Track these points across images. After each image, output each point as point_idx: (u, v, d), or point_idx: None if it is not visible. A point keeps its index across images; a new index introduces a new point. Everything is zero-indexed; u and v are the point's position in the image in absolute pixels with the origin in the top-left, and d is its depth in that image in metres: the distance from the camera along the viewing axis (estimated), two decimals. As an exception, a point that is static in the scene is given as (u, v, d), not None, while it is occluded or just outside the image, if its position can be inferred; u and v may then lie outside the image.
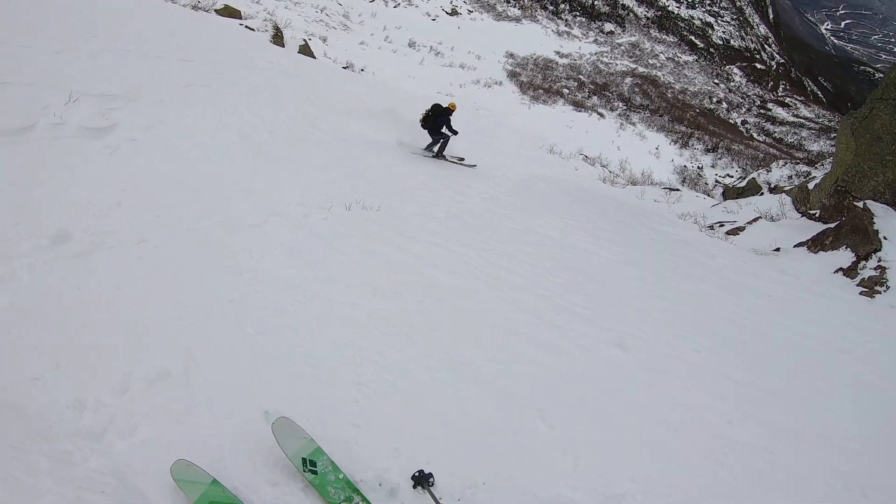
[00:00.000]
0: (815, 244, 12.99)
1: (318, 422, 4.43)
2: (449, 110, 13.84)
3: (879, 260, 11.55)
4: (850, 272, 11.65)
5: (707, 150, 53.44)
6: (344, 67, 34.89)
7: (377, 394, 4.91)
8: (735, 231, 15.48)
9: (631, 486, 4.61)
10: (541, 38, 79.44)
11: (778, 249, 13.51)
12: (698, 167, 48.92)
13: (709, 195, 29.04)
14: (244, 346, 5.10)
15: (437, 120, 13.71)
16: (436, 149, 14.06)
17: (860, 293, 10.92)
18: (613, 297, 8.47)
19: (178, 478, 3.65)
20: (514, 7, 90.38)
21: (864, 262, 11.71)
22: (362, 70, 39.49)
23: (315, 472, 3.91)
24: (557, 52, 75.17)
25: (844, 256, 12.11)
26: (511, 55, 66.77)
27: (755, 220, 16.00)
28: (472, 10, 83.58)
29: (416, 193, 10.55)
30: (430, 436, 4.68)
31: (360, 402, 4.80)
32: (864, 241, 12.00)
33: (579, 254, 9.97)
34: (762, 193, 23.68)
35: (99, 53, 9.99)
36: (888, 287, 10.92)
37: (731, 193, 27.09)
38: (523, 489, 4.40)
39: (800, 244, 13.43)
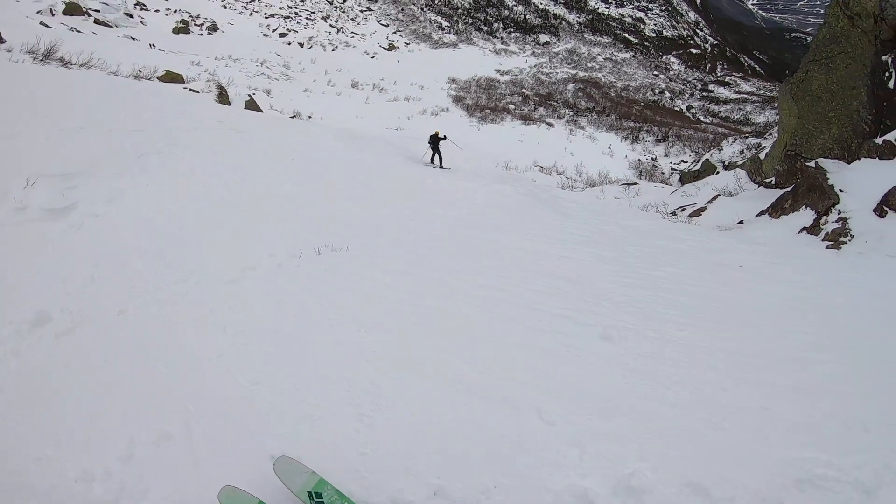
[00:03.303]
0: (776, 210, 13.22)
1: (325, 457, 4.48)
2: (436, 135, 20.94)
3: (839, 212, 11.76)
4: (813, 230, 11.85)
5: (658, 141, 54.17)
6: (291, 117, 34.98)
7: (378, 421, 4.95)
8: (697, 213, 15.74)
9: (639, 464, 4.67)
10: (480, 60, 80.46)
11: (741, 222, 13.73)
12: (652, 158, 49.47)
13: (667, 184, 29.34)
14: (240, 397, 5.14)
15: (433, 141, 20.89)
16: (435, 160, 20.92)
17: (826, 247, 11.09)
18: (591, 294, 8.50)
19: (226, 503, 3.76)
20: (450, 33, 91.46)
21: (824, 217, 11.92)
22: (309, 117, 39.50)
23: (322, 503, 3.96)
24: (498, 71, 76.15)
25: (805, 216, 12.32)
26: (453, 80, 67.47)
27: (714, 198, 16.27)
28: (408, 42, 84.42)
29: (382, 229, 10.55)
30: (436, 451, 4.72)
31: (362, 432, 4.85)
32: (822, 197, 12.22)
33: (551, 259, 10.04)
34: (718, 172, 24.06)
35: (51, 133, 9.88)
36: (852, 236, 11.11)
37: (688, 178, 27.42)
38: (535, 485, 4.44)
39: (761, 213, 13.66)
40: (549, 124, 56.43)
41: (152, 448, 4.40)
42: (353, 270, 8.24)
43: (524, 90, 68.41)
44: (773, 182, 15.16)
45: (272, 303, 6.97)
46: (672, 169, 44.66)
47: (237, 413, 4.89)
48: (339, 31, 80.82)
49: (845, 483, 4.60)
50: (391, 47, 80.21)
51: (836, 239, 11.26)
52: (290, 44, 73.04)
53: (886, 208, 11.44)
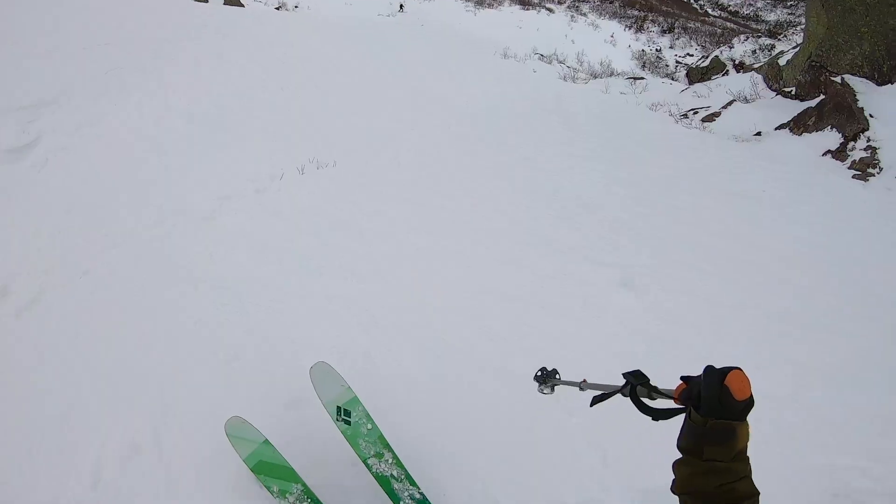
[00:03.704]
0: (798, 125, 12.25)
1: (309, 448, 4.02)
2: None
3: (868, 140, 10.85)
4: (839, 154, 10.96)
5: (663, 32, 52.14)
6: (277, 8, 33.52)
7: (373, 409, 4.19)
8: (711, 117, 14.64)
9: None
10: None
11: (759, 133, 12.76)
12: (657, 49, 47.73)
13: (673, 79, 28.13)
14: (218, 377, 4.58)
15: None
16: None
17: (853, 176, 10.27)
18: (606, 224, 7.81)
19: (232, 433, 3.68)
20: None
21: (852, 142, 11.00)
22: (296, 7, 37.72)
23: (348, 423, 3.82)
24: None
25: (831, 138, 11.39)
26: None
27: (730, 103, 15.14)
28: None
29: (378, 143, 9.68)
30: (433, 452, 4.15)
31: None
32: (850, 120, 11.27)
33: (559, 179, 9.22)
34: (727, 72, 22.84)
35: (21, 59, 8.99)
36: (881, 168, 10.26)
37: (695, 74, 26.24)
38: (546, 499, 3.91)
39: (781, 126, 12.68)
40: (549, 10, 54.16)
41: (119, 469, 3.85)
42: (342, 196, 7.53)
43: (525, -29, 65.55)
44: (793, 92, 14.07)
45: (255, 247, 6.32)
46: (677, 62, 43.03)
47: (211, 402, 4.30)
48: None
49: (882, 496, 4.09)
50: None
51: (864, 169, 10.40)
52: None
53: None
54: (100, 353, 4.68)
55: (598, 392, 2.27)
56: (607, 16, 54.61)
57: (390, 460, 3.70)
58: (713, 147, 11.82)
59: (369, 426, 3.82)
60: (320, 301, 5.56)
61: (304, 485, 3.61)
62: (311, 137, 9.25)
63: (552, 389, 3.30)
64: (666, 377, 2.06)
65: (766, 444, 4.42)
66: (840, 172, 10.44)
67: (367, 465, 3.69)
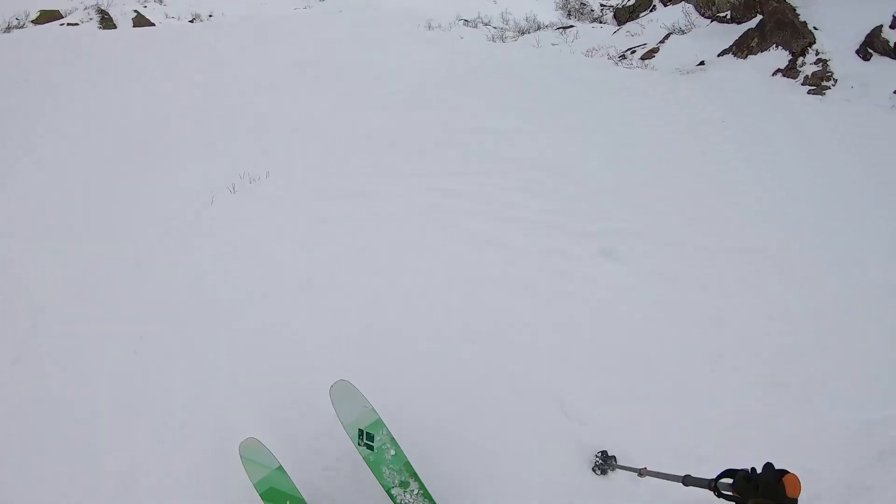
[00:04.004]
0: (741, 48, 11.76)
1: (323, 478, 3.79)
2: None
3: (818, 53, 10.44)
4: (789, 72, 10.52)
5: (583, -24, 51.44)
6: (190, 21, 31.95)
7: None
8: (650, 54, 14.09)
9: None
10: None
11: (702, 63, 12.26)
12: (579, -5, 47.09)
13: (600, 22, 27.57)
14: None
15: None
16: None
17: (808, 92, 9.85)
18: (573, 185, 7.23)
19: (245, 456, 3.55)
20: None
21: (801, 58, 10.57)
22: (210, 16, 36.30)
23: (371, 448, 3.55)
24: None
25: (778, 56, 10.93)
26: (359, -60, 62.70)
27: (666, 37, 14.63)
28: None
29: (307, 135, 8.93)
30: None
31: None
32: (795, 36, 10.82)
33: (512, 140, 8.58)
34: (654, 7, 22.26)
35: None
36: (835, 80, 9.87)
37: (622, 15, 25.63)
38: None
39: (724, 52, 12.19)
40: (468, -28, 53.15)
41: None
42: (282, 209, 6.84)
43: (434, -61, 64.17)
44: (728, 17, 13.61)
45: (186, 284, 5.62)
46: (602, 6, 42.40)
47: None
48: None
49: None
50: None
51: (819, 84, 9.98)
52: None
53: (870, 50, 10.14)
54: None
55: (658, 477, 2.70)
56: (525, -31, 53.70)
57: (416, 491, 3.42)
58: (660, 83, 11.29)
59: (393, 452, 3.55)
60: (263, 345, 4.91)
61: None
62: (240, 147, 8.53)
63: (605, 473, 3.33)
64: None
65: (798, 406, 4.01)
66: (795, 90, 10.02)
67: (390, 496, 3.40)
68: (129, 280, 5.69)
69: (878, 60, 9.98)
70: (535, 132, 8.81)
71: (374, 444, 3.52)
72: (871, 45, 10.15)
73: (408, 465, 3.49)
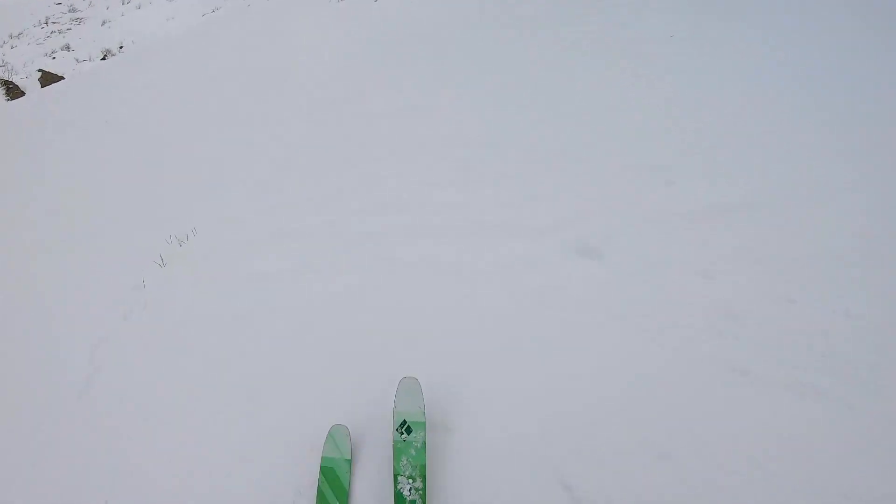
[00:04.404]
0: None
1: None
2: None
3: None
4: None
5: None
6: (102, 59, 30.72)
7: None
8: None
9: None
10: None
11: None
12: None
13: None
14: None
15: None
16: None
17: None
18: (516, 163, 6.15)
19: (333, 433, 3.69)
20: None
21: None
22: (121, 48, 34.63)
23: (404, 439, 3.62)
24: None
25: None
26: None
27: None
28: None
29: (230, 167, 7.91)
30: None
31: None
32: None
33: (426, 117, 7.65)
34: None
35: None
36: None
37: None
38: None
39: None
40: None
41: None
42: (218, 290, 5.54)
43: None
44: None
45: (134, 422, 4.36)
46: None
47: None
48: (106, -62, 71.30)
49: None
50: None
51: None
52: (64, -15, 64.02)
53: None
54: None
55: None
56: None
57: (418, 488, 3.44)
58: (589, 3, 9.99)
59: (418, 448, 3.58)
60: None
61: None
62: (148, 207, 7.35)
63: None
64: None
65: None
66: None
67: (394, 480, 3.47)
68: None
69: None
70: (451, 107, 7.77)
71: (408, 437, 3.63)
72: None
73: (423, 466, 3.52)
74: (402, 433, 3.67)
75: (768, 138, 5.49)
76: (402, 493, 3.45)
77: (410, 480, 3.48)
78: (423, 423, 3.69)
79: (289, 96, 10.07)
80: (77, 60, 33.63)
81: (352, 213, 5.98)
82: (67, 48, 40.07)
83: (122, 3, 51.09)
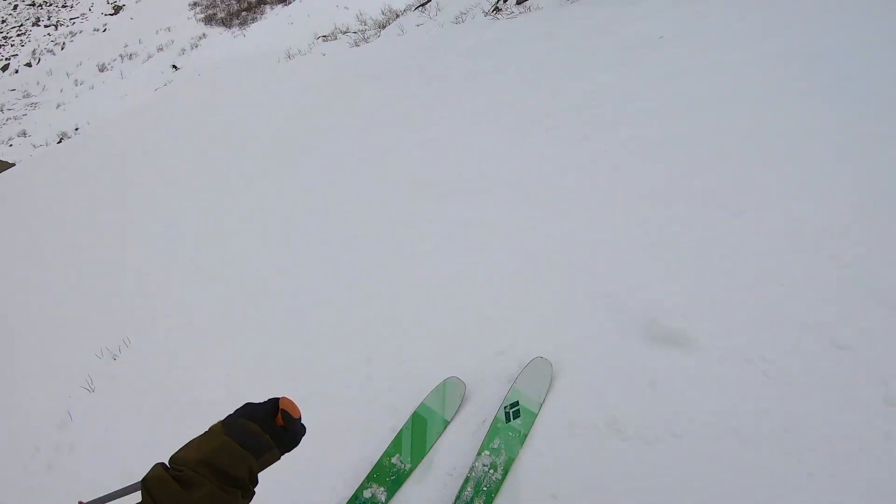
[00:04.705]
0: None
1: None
2: None
3: None
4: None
5: (416, -51, 49.40)
6: (59, 142, 30.21)
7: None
8: (529, -11, 11.94)
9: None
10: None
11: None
12: (423, -32, 45.07)
13: None
14: None
15: None
16: None
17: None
18: (522, 187, 5.20)
19: (446, 386, 3.50)
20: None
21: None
22: (77, 129, 34.07)
23: (508, 420, 3.22)
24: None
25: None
26: (195, 4, 59.86)
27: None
28: (131, -8, 74.70)
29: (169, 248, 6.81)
30: None
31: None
32: None
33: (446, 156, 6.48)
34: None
35: None
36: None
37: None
38: None
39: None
40: (310, -6, 51.00)
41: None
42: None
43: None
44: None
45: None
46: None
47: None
48: (57, 26, 70.23)
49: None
50: (117, 10, 70.06)
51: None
52: (17, 71, 62.38)
53: None
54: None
55: None
56: (365, -37, 51.64)
57: (497, 480, 2.99)
58: (559, 19, 9.16)
59: (513, 438, 3.14)
60: None
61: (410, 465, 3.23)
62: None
63: None
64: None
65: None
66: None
67: (476, 456, 3.10)
68: None
69: None
70: (458, 127, 6.91)
71: (512, 421, 3.21)
72: None
73: (512, 459, 3.07)
74: (507, 413, 3.27)
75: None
76: (474, 478, 3.06)
77: (491, 470, 3.06)
78: (535, 415, 3.24)
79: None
80: (34, 146, 33.02)
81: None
82: (24, 134, 39.21)
83: (76, 85, 50.42)
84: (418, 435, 3.32)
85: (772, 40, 5.70)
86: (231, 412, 1.64)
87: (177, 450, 1.52)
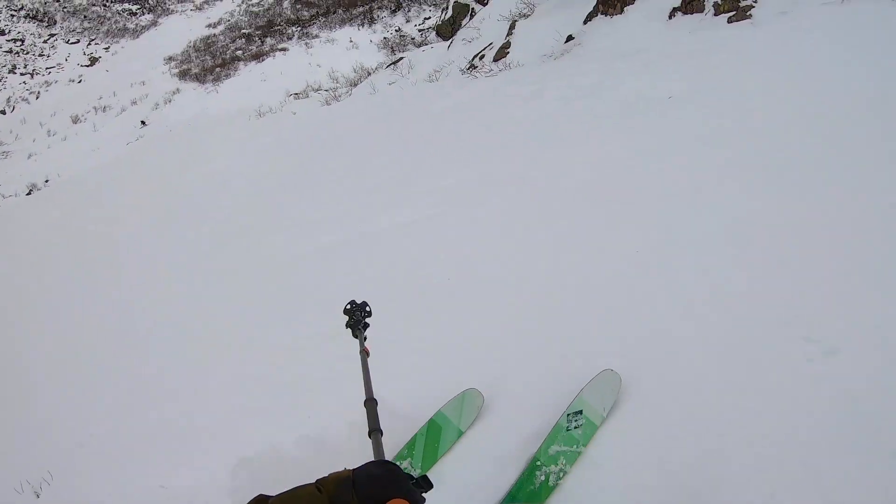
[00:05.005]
0: (608, 5, 8.98)
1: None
2: None
3: (713, -30, 7.74)
4: (690, 6, 7.67)
5: (393, 12, 49.49)
6: (28, 193, 29.01)
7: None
8: (502, 52, 11.24)
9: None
10: (186, 24, 71.50)
11: (572, 38, 9.49)
12: (396, 30, 45.03)
13: (427, 44, 25.38)
14: None
15: None
16: None
17: (730, 20, 7.12)
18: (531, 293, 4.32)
19: (465, 397, 3.34)
20: (145, 13, 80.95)
21: (691, -13, 7.83)
22: (46, 181, 33.02)
23: (569, 429, 2.96)
24: (209, 26, 68.01)
25: (661, -5, 8.24)
26: (170, 58, 59.46)
27: (512, 27, 11.81)
28: (107, 46, 73.55)
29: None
30: None
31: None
32: (675, -39, 8.09)
33: (386, 246, 5.78)
34: (473, 11, 19.67)
35: None
36: (753, -5, 7.18)
37: (445, 30, 23.24)
38: None
39: (590, 17, 9.44)
40: (284, 49, 50.40)
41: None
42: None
43: (243, 30, 61.38)
44: (568, -21, 10.99)
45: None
46: (420, 31, 40.44)
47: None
48: (33, 75, 69.59)
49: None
50: (93, 61, 69.50)
51: (736, 7, 7.21)
52: (-10, 118, 62.04)
53: None
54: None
55: None
56: (337, 25, 51.57)
57: (555, 476, 2.79)
58: (541, 79, 8.44)
59: (570, 451, 2.89)
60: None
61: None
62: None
63: None
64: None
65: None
66: (713, 26, 7.32)
67: (532, 466, 2.86)
68: None
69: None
70: (437, 207, 6.05)
71: (572, 429, 2.94)
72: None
73: (569, 464, 2.85)
74: (570, 421, 3.02)
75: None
76: (529, 483, 2.82)
77: (553, 463, 2.86)
78: (596, 427, 3.02)
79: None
80: (3, 196, 31.94)
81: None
82: (-7, 177, 38.05)
83: (48, 136, 49.21)
84: (431, 442, 3.23)
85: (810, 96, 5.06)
86: None
87: None
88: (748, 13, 6.97)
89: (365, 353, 2.69)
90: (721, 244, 3.85)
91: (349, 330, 2.98)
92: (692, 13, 7.64)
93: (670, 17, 7.87)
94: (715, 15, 7.33)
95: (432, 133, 8.31)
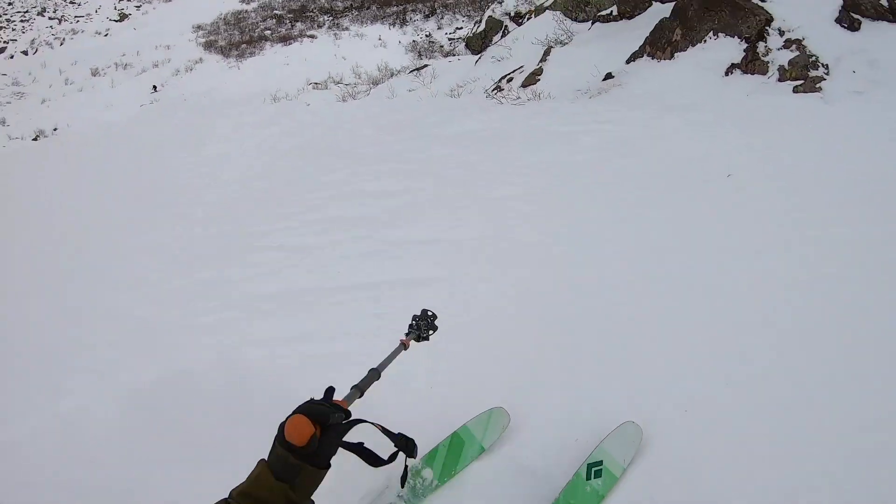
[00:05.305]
0: (659, 47, 8.12)
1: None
2: None
3: (782, 33, 6.85)
4: (751, 65, 6.83)
5: (426, 17, 48.81)
6: (34, 139, 29.28)
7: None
8: (532, 78, 10.36)
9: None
10: (219, -5, 71.26)
11: (611, 76, 8.62)
12: (426, 35, 44.37)
13: (453, 55, 24.70)
14: None
15: None
16: None
17: (795, 90, 6.29)
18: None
19: (492, 415, 3.29)
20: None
21: (760, 43, 6.92)
22: (55, 129, 32.48)
23: (589, 480, 2.92)
24: (242, 1, 67.57)
25: (723, 47, 7.23)
26: (199, 27, 58.58)
27: (547, 53, 10.95)
28: (139, 4, 73.08)
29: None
30: None
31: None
32: (738, 14, 7.17)
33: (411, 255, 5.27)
34: (506, 29, 18.89)
35: None
36: (826, 67, 6.31)
37: (475, 43, 22.55)
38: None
39: (634, 56, 8.58)
40: (312, 36, 49.67)
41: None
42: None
43: (275, 11, 60.71)
44: (614, 13, 10.11)
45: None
46: (450, 40, 39.76)
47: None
48: (60, 21, 68.61)
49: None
50: (122, 17, 68.63)
51: (805, 77, 6.36)
52: (12, 56, 60.13)
53: (856, 15, 6.67)
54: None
55: None
56: (369, 21, 50.82)
57: None
58: (579, 118, 7.60)
59: (586, 496, 2.84)
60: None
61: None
62: None
63: None
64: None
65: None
66: (775, 92, 6.46)
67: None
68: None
69: (872, 27, 6.55)
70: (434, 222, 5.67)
71: (591, 482, 2.88)
72: (856, 9, 6.66)
73: None
74: (589, 472, 2.91)
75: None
76: None
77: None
78: (616, 479, 2.89)
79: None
80: (10, 137, 31.41)
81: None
82: (3, 122, 37.19)
83: (65, 84, 48.36)
84: (453, 454, 3.22)
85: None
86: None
87: None
88: (818, 85, 6.14)
89: (403, 345, 2.75)
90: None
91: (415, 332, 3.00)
92: (753, 73, 6.79)
93: (727, 74, 7.02)
94: (779, 80, 6.49)
95: (441, 166, 7.32)
